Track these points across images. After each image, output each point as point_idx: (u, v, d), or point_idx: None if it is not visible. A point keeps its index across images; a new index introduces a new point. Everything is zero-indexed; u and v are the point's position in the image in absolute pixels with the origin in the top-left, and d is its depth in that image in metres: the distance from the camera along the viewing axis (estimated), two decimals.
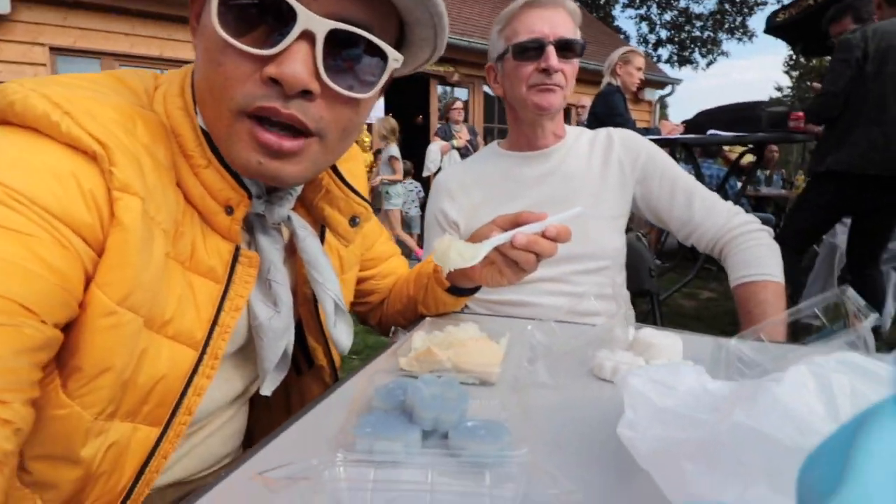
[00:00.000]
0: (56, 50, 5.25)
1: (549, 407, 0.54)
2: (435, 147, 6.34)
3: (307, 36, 0.48)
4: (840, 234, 3.04)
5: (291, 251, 0.69)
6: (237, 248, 0.58)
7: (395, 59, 0.54)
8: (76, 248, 0.44)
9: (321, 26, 0.48)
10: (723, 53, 21.97)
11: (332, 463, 0.37)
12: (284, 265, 0.66)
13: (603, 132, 1.25)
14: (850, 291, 0.49)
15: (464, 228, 1.23)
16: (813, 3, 4.69)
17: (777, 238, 1.10)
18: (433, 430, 0.46)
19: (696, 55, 21.96)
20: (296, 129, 0.51)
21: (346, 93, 0.52)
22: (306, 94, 0.49)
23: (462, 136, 4.76)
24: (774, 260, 1.05)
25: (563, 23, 1.09)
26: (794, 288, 2.74)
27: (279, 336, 0.65)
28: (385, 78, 0.55)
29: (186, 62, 0.60)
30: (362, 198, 0.71)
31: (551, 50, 1.08)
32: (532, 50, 1.09)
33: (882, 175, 2.30)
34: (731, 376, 0.54)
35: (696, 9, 21.48)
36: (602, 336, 0.63)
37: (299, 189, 0.67)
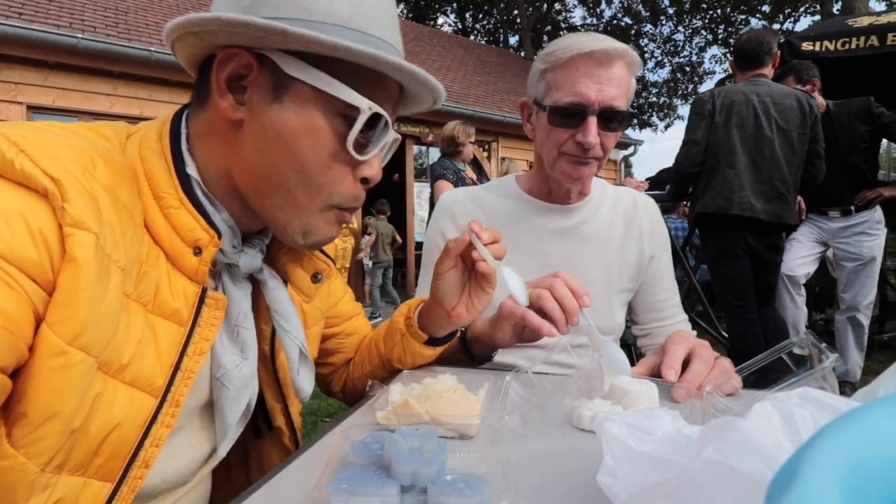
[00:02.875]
0: (34, 108, 5.27)
1: (530, 458, 0.53)
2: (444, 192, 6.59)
3: (385, 145, 0.61)
4: (788, 255, 3.10)
5: (254, 306, 0.69)
6: (204, 290, 0.58)
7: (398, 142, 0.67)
8: (24, 289, 0.43)
9: (392, 137, 0.62)
10: (678, 117, 23.53)
11: None
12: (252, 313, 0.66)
13: (627, 195, 1.18)
14: (810, 336, 0.52)
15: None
16: None
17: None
18: (411, 484, 0.45)
19: (655, 118, 23.42)
20: None
21: None
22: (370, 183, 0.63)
23: (469, 174, 4.76)
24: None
25: (615, 85, 0.94)
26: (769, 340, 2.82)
27: (245, 384, 0.64)
28: (390, 154, 0.68)
29: None
30: (326, 255, 0.75)
31: (593, 122, 0.94)
32: (571, 117, 0.95)
33: (743, 216, 2.50)
34: (706, 423, 0.55)
35: (652, 77, 23.10)
36: (579, 386, 0.64)
37: (268, 238, 0.69)
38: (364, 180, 0.61)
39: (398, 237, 7.46)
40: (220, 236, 0.58)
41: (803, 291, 3.16)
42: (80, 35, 5.21)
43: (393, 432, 0.51)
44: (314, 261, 0.73)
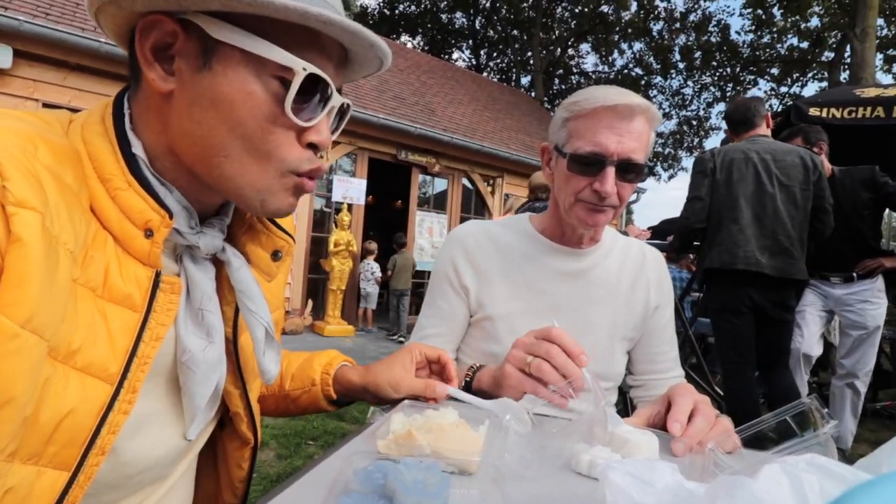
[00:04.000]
0: (49, 106, 5.34)
1: (528, 499, 0.53)
2: None
3: (331, 109, 0.59)
4: (800, 339, 3.13)
5: (217, 287, 0.68)
6: (157, 274, 0.56)
7: (350, 111, 0.66)
8: None
9: (338, 102, 0.60)
10: (682, 169, 23.92)
11: None
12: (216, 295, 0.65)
13: (636, 246, 1.20)
14: (815, 400, 0.53)
15: (474, 298, 1.12)
16: None
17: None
18: None
19: (659, 168, 23.81)
20: None
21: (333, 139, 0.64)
22: (320, 149, 0.60)
23: None
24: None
25: (635, 138, 0.97)
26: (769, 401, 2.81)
27: (213, 367, 0.62)
28: (343, 126, 0.67)
29: None
30: (285, 232, 0.72)
31: (610, 172, 0.96)
32: (590, 165, 0.98)
33: (750, 271, 2.52)
34: (706, 479, 0.56)
35: (659, 128, 23.56)
36: (580, 431, 0.64)
37: (228, 219, 0.68)
38: (312, 146, 0.59)
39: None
40: (171, 216, 0.56)
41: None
42: (102, 39, 5.33)
43: (394, 462, 0.51)
44: (273, 238, 0.71)
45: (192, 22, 0.53)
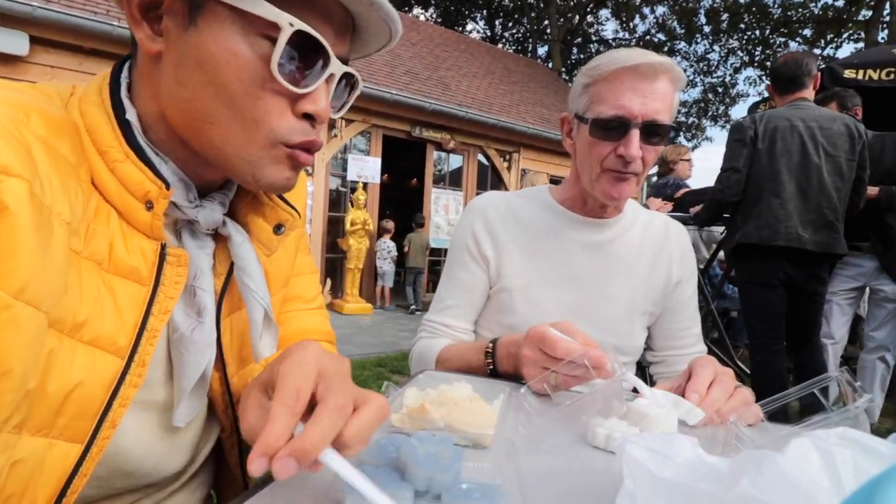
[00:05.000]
0: None
1: (543, 473, 0.52)
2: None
3: (331, 77, 0.54)
4: (828, 330, 3.05)
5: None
6: (163, 247, 0.55)
7: (361, 85, 0.62)
8: None
9: (339, 70, 0.55)
10: (707, 139, 23.27)
11: None
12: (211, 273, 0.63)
13: (659, 219, 1.18)
14: (846, 373, 0.50)
15: (493, 269, 1.11)
16: None
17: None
18: (426, 490, 0.45)
19: (682, 139, 23.17)
20: None
21: (335, 116, 0.59)
22: (317, 122, 0.56)
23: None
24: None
25: (659, 99, 0.93)
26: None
27: (201, 350, 0.60)
28: (353, 100, 0.63)
29: None
30: (291, 206, 0.69)
31: (635, 134, 0.93)
32: (614, 130, 0.94)
33: (790, 247, 2.43)
34: (727, 454, 0.54)
35: (682, 96, 22.83)
36: (596, 404, 0.63)
37: (231, 194, 0.65)
38: (307, 116, 0.54)
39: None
40: (168, 187, 0.54)
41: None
42: (115, 23, 5.33)
43: (407, 435, 0.51)
44: (277, 211, 0.67)
45: None
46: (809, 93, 2.58)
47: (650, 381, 1.49)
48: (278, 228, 0.68)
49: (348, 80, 0.60)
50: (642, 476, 0.40)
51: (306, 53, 0.52)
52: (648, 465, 0.40)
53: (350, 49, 0.59)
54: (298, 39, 0.51)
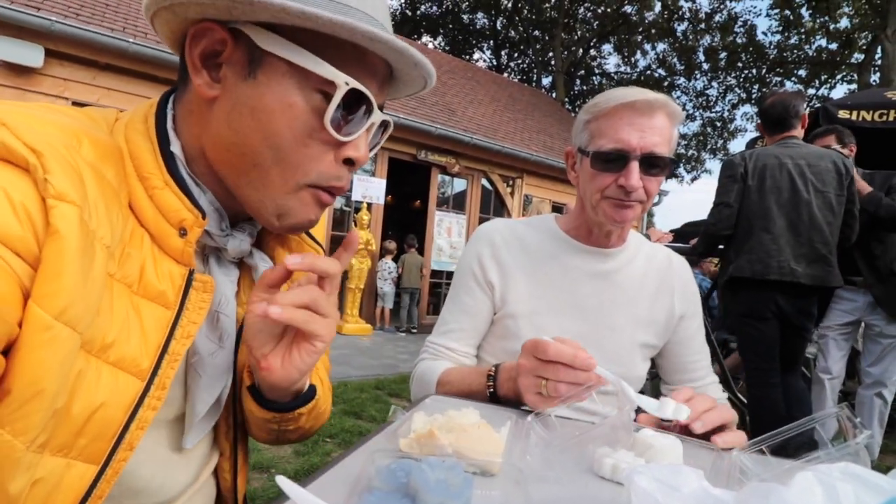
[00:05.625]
0: (78, 104, 5.48)
1: (551, 502, 0.53)
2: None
3: (371, 126, 0.59)
4: (830, 360, 3.06)
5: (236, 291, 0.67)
6: (191, 273, 0.57)
7: (391, 128, 0.65)
8: (10, 265, 0.42)
9: (379, 119, 0.60)
10: (706, 171, 23.57)
11: None
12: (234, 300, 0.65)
13: (662, 252, 1.20)
14: (846, 409, 0.51)
15: (498, 295, 1.11)
16: None
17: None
18: None
19: (682, 170, 23.45)
20: None
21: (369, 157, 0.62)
22: (356, 166, 0.59)
23: None
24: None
25: (657, 133, 0.97)
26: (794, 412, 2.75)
27: (219, 375, 0.62)
28: (382, 142, 0.67)
29: None
30: (316, 242, 0.73)
31: (634, 166, 0.96)
32: (613, 162, 0.98)
33: (783, 280, 2.47)
34: (731, 485, 0.55)
35: (682, 129, 23.26)
36: (603, 434, 0.63)
37: (259, 225, 0.68)
38: (348, 161, 0.59)
39: (424, 269, 8.29)
40: (204, 216, 0.57)
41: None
42: (131, 39, 5.47)
43: (416, 460, 0.51)
44: (303, 246, 0.72)
45: (242, 31, 0.54)
46: (798, 131, 2.65)
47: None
48: None
49: (382, 123, 0.63)
50: None
51: (353, 106, 0.56)
52: (656, 495, 0.41)
53: (386, 95, 0.63)
54: (350, 95, 0.55)
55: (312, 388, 0.70)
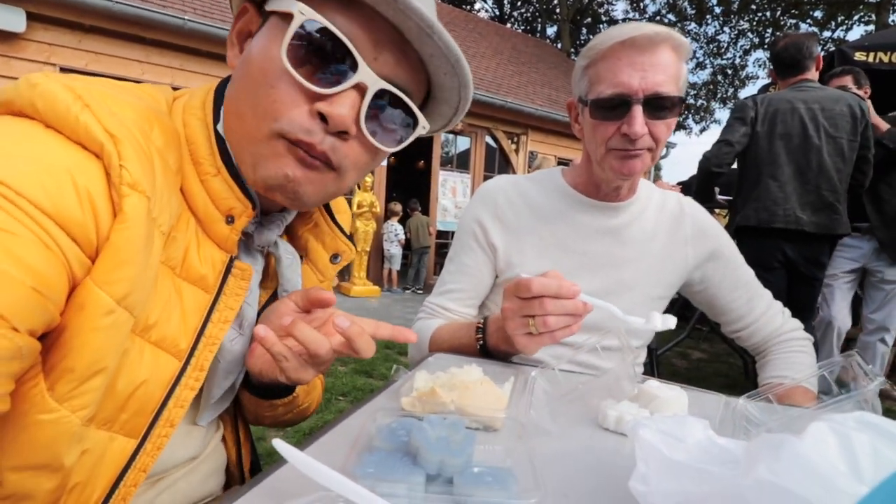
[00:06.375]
0: (67, 71, 5.33)
1: (555, 455, 0.53)
2: None
3: (360, 87, 0.52)
4: (829, 312, 3.04)
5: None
6: (231, 259, 0.58)
7: (423, 126, 0.59)
8: (62, 250, 0.42)
9: (374, 83, 0.52)
10: (715, 121, 22.93)
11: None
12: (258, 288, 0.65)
13: (673, 199, 1.14)
14: (857, 357, 0.50)
15: (502, 257, 1.08)
16: None
17: None
18: (437, 474, 0.45)
19: (690, 121, 22.86)
20: (321, 162, 0.54)
21: (374, 142, 0.56)
22: (342, 134, 0.53)
23: None
24: (810, 369, 1.02)
25: (661, 70, 0.88)
26: None
27: (237, 361, 0.63)
28: (410, 139, 0.60)
29: None
30: (349, 238, 0.73)
31: (637, 111, 0.88)
32: (614, 109, 0.90)
33: (789, 229, 2.44)
34: (737, 435, 0.54)
35: (691, 78, 22.53)
36: (607, 386, 0.63)
37: (291, 217, 0.67)
38: (322, 117, 0.52)
39: (431, 227, 8.27)
40: (254, 207, 0.57)
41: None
42: None
43: (418, 419, 0.51)
44: (336, 241, 0.71)
45: (268, 11, 0.54)
46: (813, 74, 2.55)
47: (657, 364, 1.50)
48: (335, 258, 0.72)
49: (409, 118, 0.57)
50: (655, 458, 0.40)
51: (328, 54, 0.51)
52: (660, 447, 0.40)
53: (409, 77, 0.56)
54: (320, 36, 0.51)
55: (291, 387, 0.70)
